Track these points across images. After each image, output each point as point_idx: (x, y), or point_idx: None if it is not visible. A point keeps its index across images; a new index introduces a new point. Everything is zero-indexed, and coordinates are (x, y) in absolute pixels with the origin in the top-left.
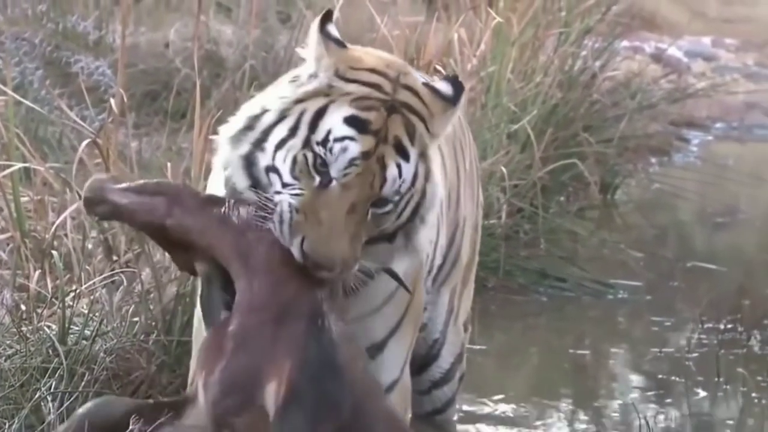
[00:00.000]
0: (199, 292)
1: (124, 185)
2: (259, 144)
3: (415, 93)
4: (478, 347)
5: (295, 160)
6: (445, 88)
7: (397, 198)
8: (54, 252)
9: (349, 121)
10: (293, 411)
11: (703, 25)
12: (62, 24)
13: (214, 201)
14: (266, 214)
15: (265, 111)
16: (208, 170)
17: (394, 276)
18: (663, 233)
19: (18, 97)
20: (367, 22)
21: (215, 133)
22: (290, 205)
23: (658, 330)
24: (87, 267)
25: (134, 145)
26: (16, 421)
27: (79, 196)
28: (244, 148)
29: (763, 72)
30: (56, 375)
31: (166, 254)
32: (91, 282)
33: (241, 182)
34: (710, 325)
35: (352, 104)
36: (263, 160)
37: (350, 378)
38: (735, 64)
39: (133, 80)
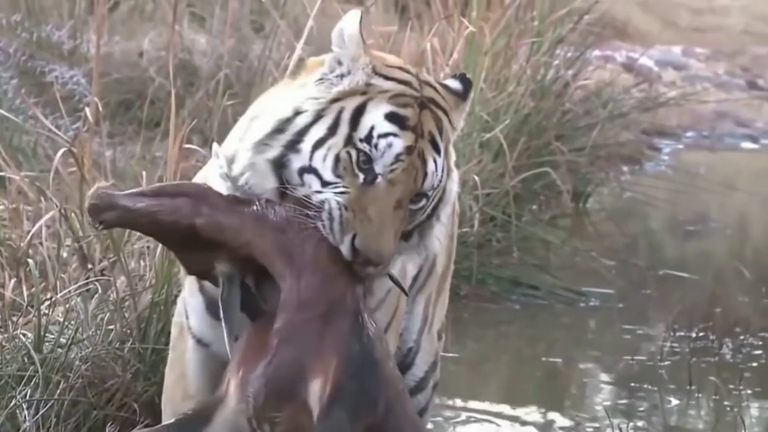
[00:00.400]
0: (220, 292)
1: (135, 190)
2: (293, 146)
3: (435, 89)
4: (450, 355)
5: (337, 158)
6: (455, 84)
7: (431, 193)
8: (29, 260)
9: (390, 117)
10: (337, 408)
11: (674, 34)
12: (37, 33)
13: (242, 200)
14: (310, 213)
15: (298, 112)
16: (183, 178)
17: (394, 280)
18: (634, 241)
19: None
20: None
21: (189, 141)
22: (339, 203)
23: (630, 338)
24: (62, 275)
25: (109, 154)
26: None
27: (56, 204)
28: (274, 151)
29: (734, 81)
30: (32, 383)
31: (142, 262)
32: (66, 290)
33: (269, 184)
34: (682, 333)
35: (390, 101)
36: (297, 161)
37: (384, 375)
38: (705, 73)
39: (108, 89)
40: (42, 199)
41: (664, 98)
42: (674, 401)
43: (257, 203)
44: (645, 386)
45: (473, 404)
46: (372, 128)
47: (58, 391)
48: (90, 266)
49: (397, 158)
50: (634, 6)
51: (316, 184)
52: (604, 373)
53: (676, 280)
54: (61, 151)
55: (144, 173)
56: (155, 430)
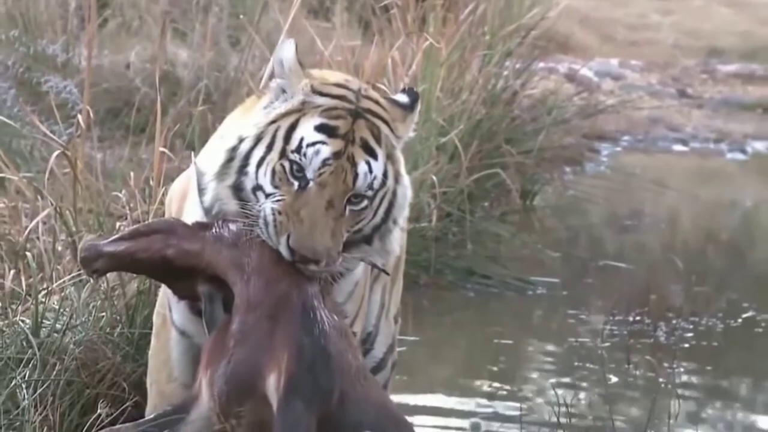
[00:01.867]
0: (203, 310)
1: (115, 236)
2: (242, 170)
3: (376, 101)
4: (411, 338)
5: (273, 171)
6: (402, 98)
7: (370, 193)
8: (27, 253)
9: (320, 128)
10: (293, 399)
11: (612, 48)
12: (33, 47)
13: (205, 226)
14: (253, 222)
15: (241, 139)
16: (167, 178)
17: (375, 265)
18: (577, 235)
19: None
20: (309, 46)
21: (172, 145)
22: (273, 209)
23: (573, 322)
24: (57, 267)
25: (99, 156)
26: None
27: (51, 202)
28: (231, 178)
29: (666, 90)
30: (30, 365)
31: None
32: (61, 280)
33: (232, 207)
34: (620, 318)
35: (321, 114)
36: (249, 182)
37: (339, 367)
38: (640, 83)
39: (98, 98)
40: (38, 197)
41: (603, 105)
42: (614, 378)
43: (216, 225)
44: (587, 365)
45: (431, 382)
46: (302, 139)
47: (54, 372)
48: None
49: (324, 163)
50: (576, 23)
51: (262, 198)
52: (549, 354)
53: (614, 270)
54: (55, 154)
55: (132, 174)
56: (137, 424)
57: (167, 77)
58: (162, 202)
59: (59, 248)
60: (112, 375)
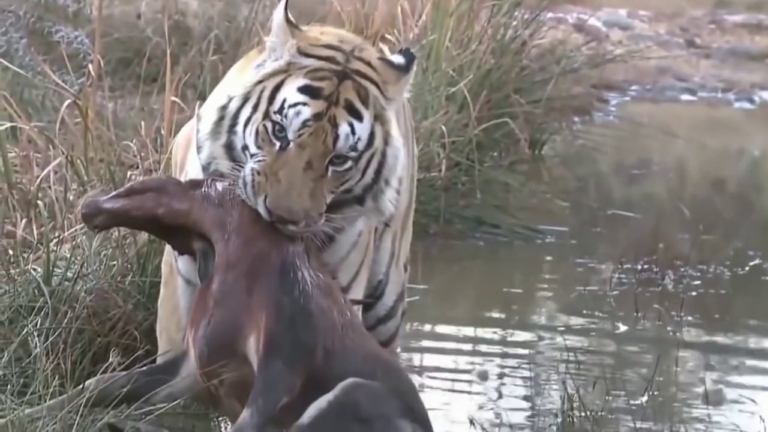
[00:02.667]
0: (197, 266)
1: (113, 193)
2: (232, 129)
3: (368, 63)
4: (421, 287)
5: (257, 132)
6: (397, 59)
7: (354, 154)
8: (39, 202)
9: (303, 89)
10: (273, 358)
11: None
12: None
13: (196, 184)
14: (234, 183)
15: (230, 99)
16: (177, 128)
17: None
18: (585, 184)
19: (5, 63)
20: None
21: (183, 95)
22: (252, 169)
23: (582, 270)
24: (69, 216)
25: (110, 106)
26: (5, 355)
27: (62, 152)
28: (223, 137)
29: (674, 40)
30: (42, 313)
31: None
32: (72, 229)
33: (225, 166)
34: (629, 266)
35: (306, 75)
36: (238, 142)
37: (322, 325)
38: (648, 33)
39: (109, 48)
40: (50, 147)
41: (611, 55)
42: (622, 327)
43: (205, 184)
44: (596, 314)
45: (441, 329)
46: (284, 100)
47: (66, 321)
48: None
49: (304, 124)
50: None
51: (249, 158)
52: (558, 302)
53: (622, 219)
54: (66, 104)
55: (143, 123)
56: (130, 374)
57: (178, 27)
58: (173, 152)
59: (70, 197)
60: (123, 323)
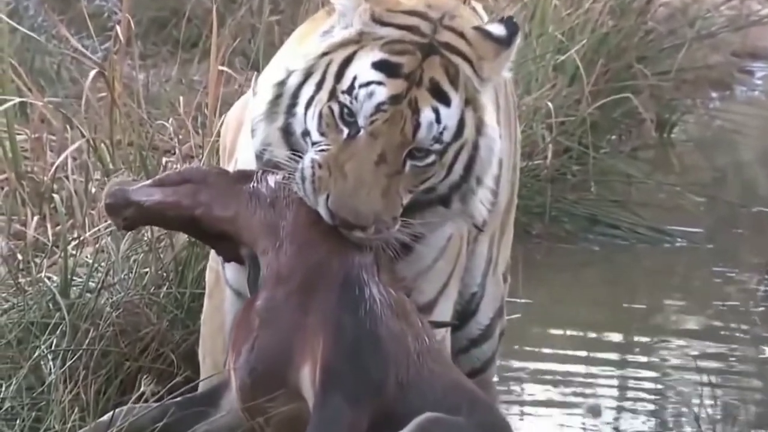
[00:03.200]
0: (247, 276)
1: (145, 182)
2: (291, 110)
3: (460, 34)
4: (521, 301)
5: (320, 115)
6: (497, 29)
7: (438, 147)
8: (54, 195)
9: (378, 65)
10: (332, 392)
11: None
12: None
13: (245, 176)
14: (290, 176)
15: (290, 73)
16: (224, 105)
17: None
18: (724, 175)
19: (13, 23)
20: None
21: (231, 64)
22: (313, 160)
23: (721, 281)
24: (91, 212)
25: (141, 77)
26: (14, 382)
27: (83, 133)
28: (280, 119)
29: None
30: (58, 331)
31: None
32: (95, 228)
33: (282, 154)
34: None
35: (383, 48)
36: (298, 126)
37: (394, 351)
38: None
39: (140, 5)
40: (68, 127)
41: (758, 16)
42: None
43: (255, 177)
44: (737, 335)
45: (546, 352)
46: (354, 78)
47: (87, 341)
48: None
49: (378, 108)
50: None
51: (310, 146)
52: (691, 320)
53: None
54: (90, 75)
55: (181, 99)
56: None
57: None
58: (219, 134)
59: (92, 189)
60: (157, 344)
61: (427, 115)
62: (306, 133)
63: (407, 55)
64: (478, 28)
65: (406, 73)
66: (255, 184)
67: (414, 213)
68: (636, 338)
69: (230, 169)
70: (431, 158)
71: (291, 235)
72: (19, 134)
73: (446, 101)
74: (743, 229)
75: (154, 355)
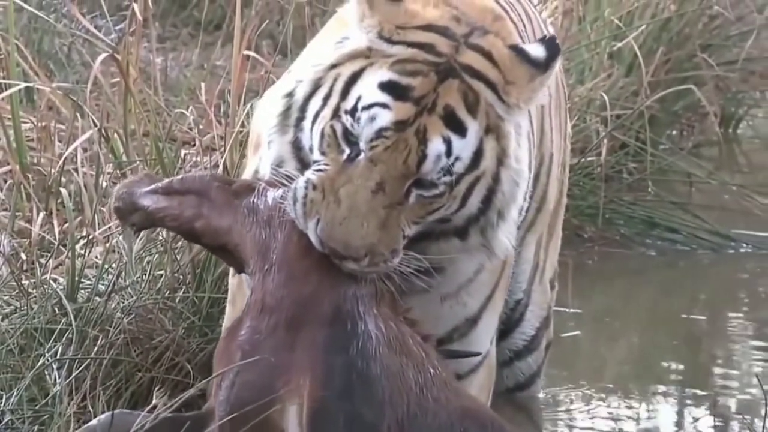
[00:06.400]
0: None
1: (152, 186)
2: (299, 124)
3: (487, 55)
4: (571, 311)
5: (323, 134)
6: (535, 50)
7: (448, 179)
8: (62, 190)
9: (385, 86)
10: None
11: None
12: None
13: (247, 189)
14: (285, 195)
15: (298, 84)
16: (249, 92)
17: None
18: None
19: (19, 2)
20: None
21: (257, 48)
22: (307, 180)
23: None
24: (101, 208)
25: (159, 61)
26: (15, 393)
27: (94, 122)
28: (290, 133)
29: None
30: (63, 338)
31: None
32: (106, 226)
33: (293, 169)
34: None
35: (392, 67)
36: (306, 140)
37: (390, 391)
38: None
39: None
40: (78, 115)
41: None
42: None
43: (257, 191)
44: None
45: (596, 368)
46: (359, 99)
47: (95, 349)
48: None
49: (380, 133)
50: None
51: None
52: (757, 334)
53: None
54: (101, 58)
55: (202, 85)
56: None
57: None
58: (244, 124)
59: (103, 183)
60: (171, 353)
61: (435, 146)
62: (312, 149)
63: (420, 77)
64: (514, 48)
65: (416, 97)
66: (254, 199)
67: (429, 243)
68: (697, 354)
69: (254, 163)
70: (440, 189)
71: (280, 261)
72: (24, 122)
73: (461, 131)
74: None
75: (168, 365)
